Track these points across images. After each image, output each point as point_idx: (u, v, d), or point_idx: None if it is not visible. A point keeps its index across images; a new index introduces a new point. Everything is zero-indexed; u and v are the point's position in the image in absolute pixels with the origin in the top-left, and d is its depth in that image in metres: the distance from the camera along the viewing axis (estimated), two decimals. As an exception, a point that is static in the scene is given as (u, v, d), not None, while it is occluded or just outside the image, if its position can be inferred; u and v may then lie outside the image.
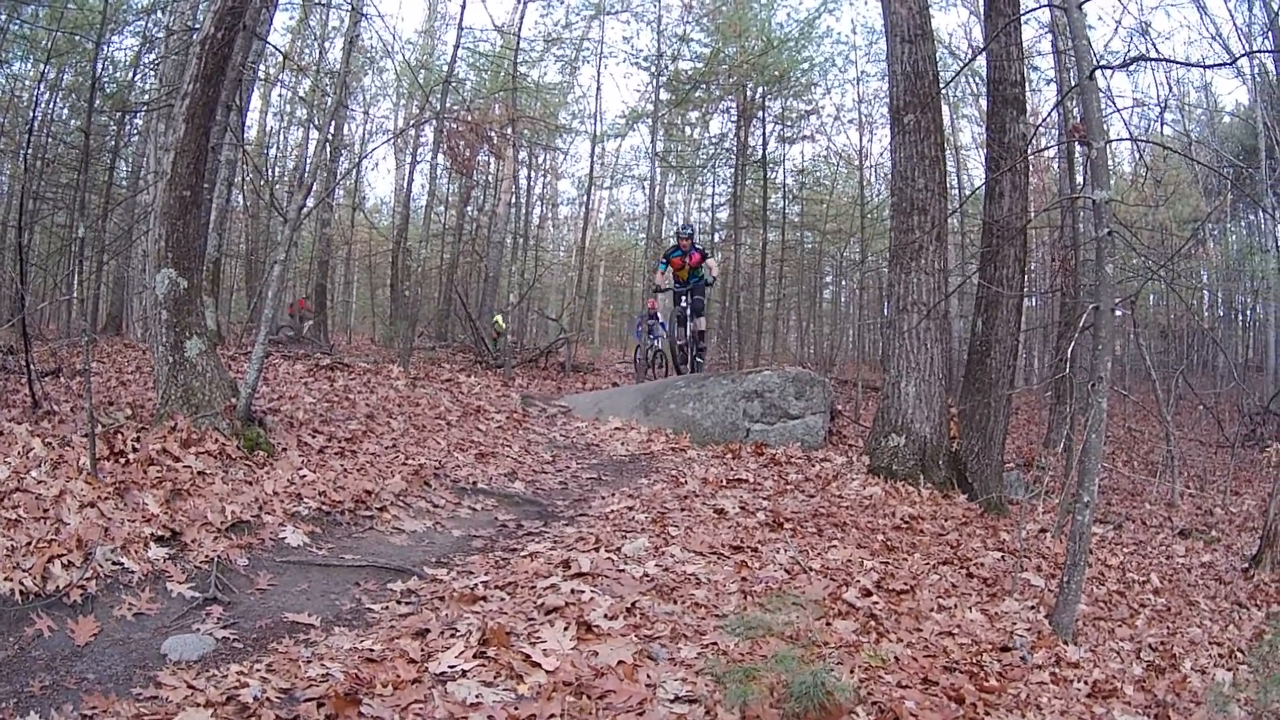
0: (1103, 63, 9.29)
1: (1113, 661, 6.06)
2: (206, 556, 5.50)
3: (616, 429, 12.25)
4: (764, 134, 26.79)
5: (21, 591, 4.65)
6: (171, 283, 7.33)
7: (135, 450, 6.64)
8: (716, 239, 32.04)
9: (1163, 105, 20.77)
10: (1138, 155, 13.37)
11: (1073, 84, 7.97)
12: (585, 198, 30.72)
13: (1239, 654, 6.92)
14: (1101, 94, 7.00)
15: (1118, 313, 7.36)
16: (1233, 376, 22.09)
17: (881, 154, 27.26)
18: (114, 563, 5.11)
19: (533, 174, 34.15)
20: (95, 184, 18.00)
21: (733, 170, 27.50)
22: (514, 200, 28.89)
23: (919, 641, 5.30)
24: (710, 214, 33.80)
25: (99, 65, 12.42)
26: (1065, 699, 4.98)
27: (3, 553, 4.82)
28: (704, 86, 25.66)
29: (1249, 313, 32.86)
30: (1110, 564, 8.90)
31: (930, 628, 5.63)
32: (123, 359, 12.63)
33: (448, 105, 20.61)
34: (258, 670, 4.10)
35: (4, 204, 22.07)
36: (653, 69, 24.86)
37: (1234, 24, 24.67)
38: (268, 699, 3.66)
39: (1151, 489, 14.04)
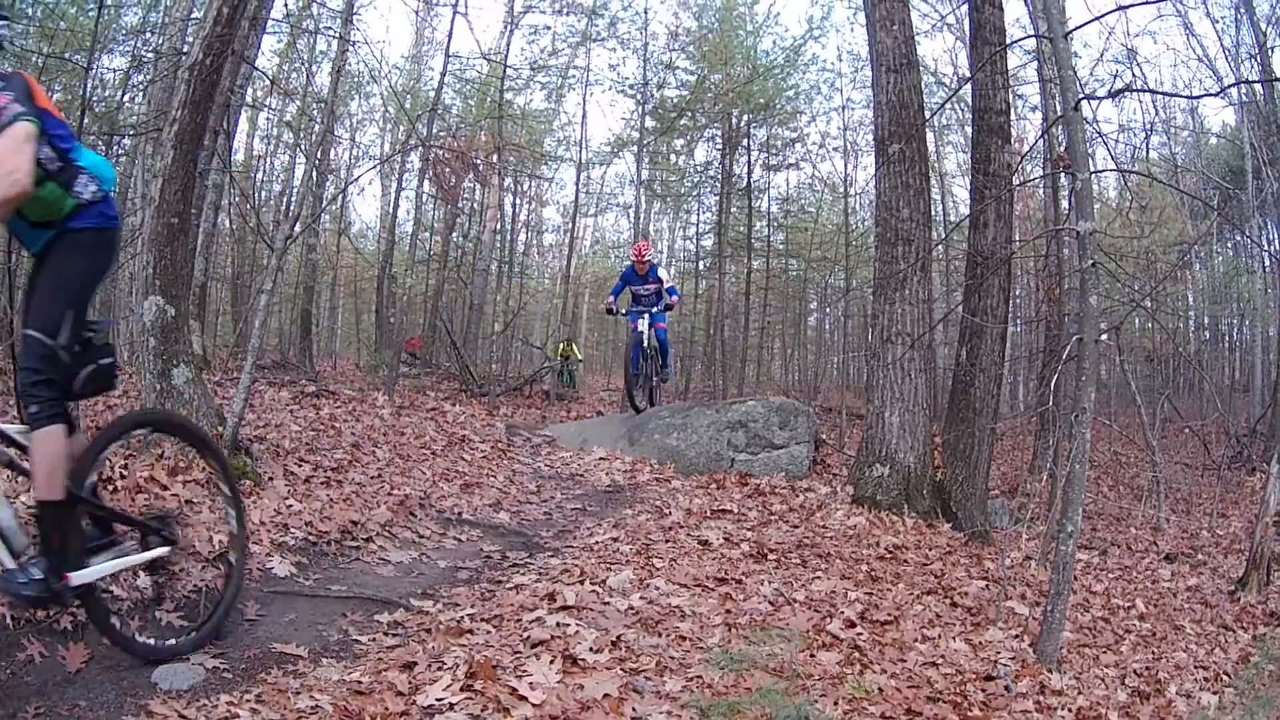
0: (1088, 92, 9.35)
1: (1097, 688, 6.08)
2: (195, 586, 5.50)
3: (601, 459, 12.27)
4: (749, 161, 26.98)
5: (13, 617, 4.65)
6: (159, 310, 7.35)
7: (123, 477, 6.63)
8: (701, 266, 32.13)
9: (1148, 131, 20.89)
10: (1123, 182, 13.46)
11: (1059, 113, 8.02)
12: (570, 225, 30.83)
13: (1225, 677, 6.94)
14: (1087, 123, 7.06)
15: (1102, 338, 7.41)
16: (1216, 405, 22.17)
17: (867, 182, 27.36)
18: (103, 591, 5.11)
19: (518, 201, 34.28)
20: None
21: (718, 198, 27.65)
22: (499, 227, 29.01)
23: (903, 672, 5.32)
24: (695, 241, 33.90)
25: (89, 85, 12.40)
26: (1049, 728, 5.01)
27: (-7, 578, 4.81)
28: (689, 114, 25.85)
29: (1235, 334, 33.03)
30: (1095, 590, 8.93)
31: (914, 658, 5.65)
32: (109, 384, 12.61)
33: (434, 132, 20.68)
34: (247, 700, 4.10)
35: (-11, 225, 22.02)
36: (639, 96, 25.12)
37: (1221, 45, 24.82)
38: (257, 730, 3.68)
39: (1137, 514, 14.09)
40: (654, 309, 14.62)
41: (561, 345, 26.44)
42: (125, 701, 4.21)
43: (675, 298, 14.96)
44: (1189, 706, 6.08)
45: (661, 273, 14.89)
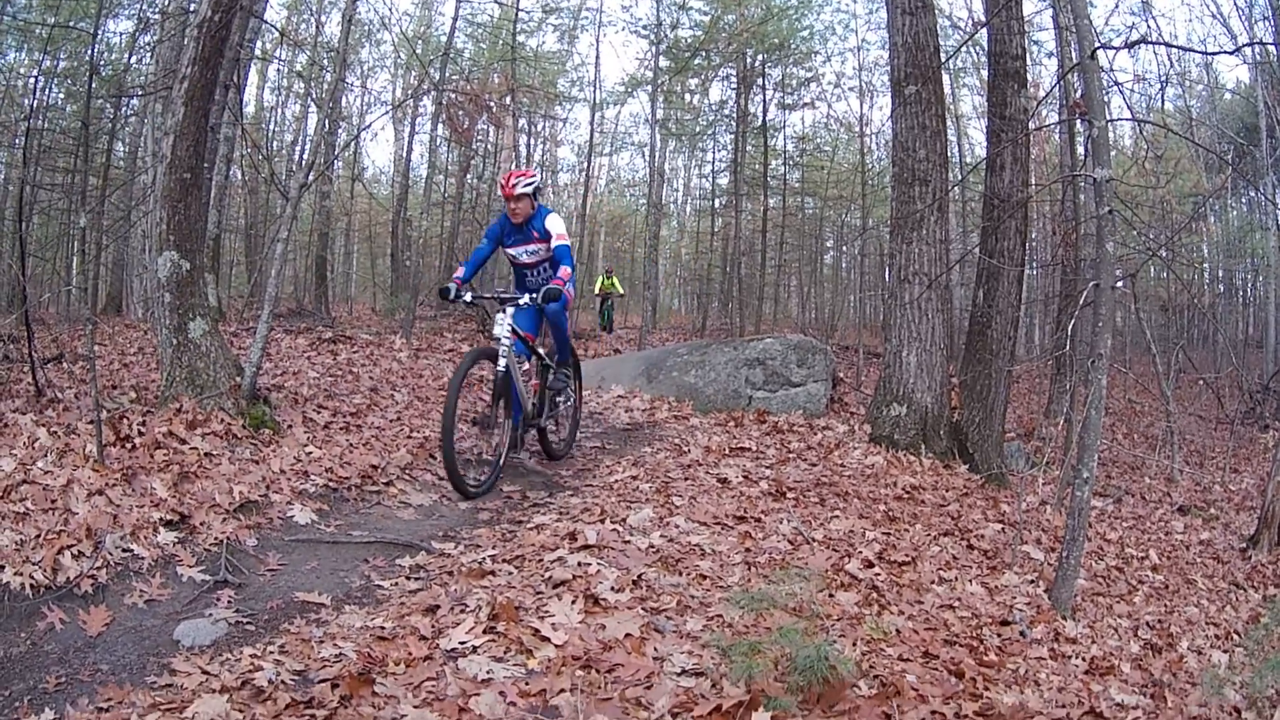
0: (1104, 41, 9.27)
1: (1110, 638, 6.11)
2: (216, 539, 5.53)
3: (619, 397, 12.33)
4: (764, 101, 26.85)
5: (32, 585, 4.65)
6: (174, 265, 7.36)
7: (141, 434, 6.67)
8: (717, 204, 32.04)
9: (1163, 83, 20.69)
10: (1138, 131, 13.36)
11: (1074, 61, 7.98)
12: (585, 165, 30.74)
13: (1235, 635, 6.98)
14: (1103, 72, 7.01)
15: (1119, 285, 7.40)
16: (1231, 359, 22.11)
17: (883, 122, 27.23)
18: (124, 550, 5.13)
19: (532, 142, 34.14)
20: (93, 167, 17.99)
21: (733, 136, 27.53)
22: (514, 168, 28.84)
23: (920, 614, 5.34)
24: (711, 179, 33.78)
25: (95, 50, 12.41)
26: (1063, 675, 5.02)
27: (12, 546, 4.82)
28: (704, 54, 25.64)
29: (1249, 289, 32.86)
30: (1109, 538, 8.96)
31: (931, 600, 5.68)
32: (124, 340, 12.66)
33: (446, 76, 20.58)
34: (271, 653, 4.12)
35: (2, 192, 22.07)
36: (652, 37, 24.94)
37: (1235, 3, 24.54)
38: (282, 682, 3.69)
39: (1151, 463, 14.08)
40: (534, 295, 7.93)
41: (600, 280, 26.42)
42: (148, 662, 4.24)
43: (567, 268, 8.09)
44: (1199, 663, 6.11)
45: (553, 223, 8.24)
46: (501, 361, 7.70)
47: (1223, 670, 5.84)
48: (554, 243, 8.05)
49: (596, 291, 26.95)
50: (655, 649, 4.13)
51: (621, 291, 26.66)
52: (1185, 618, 7.08)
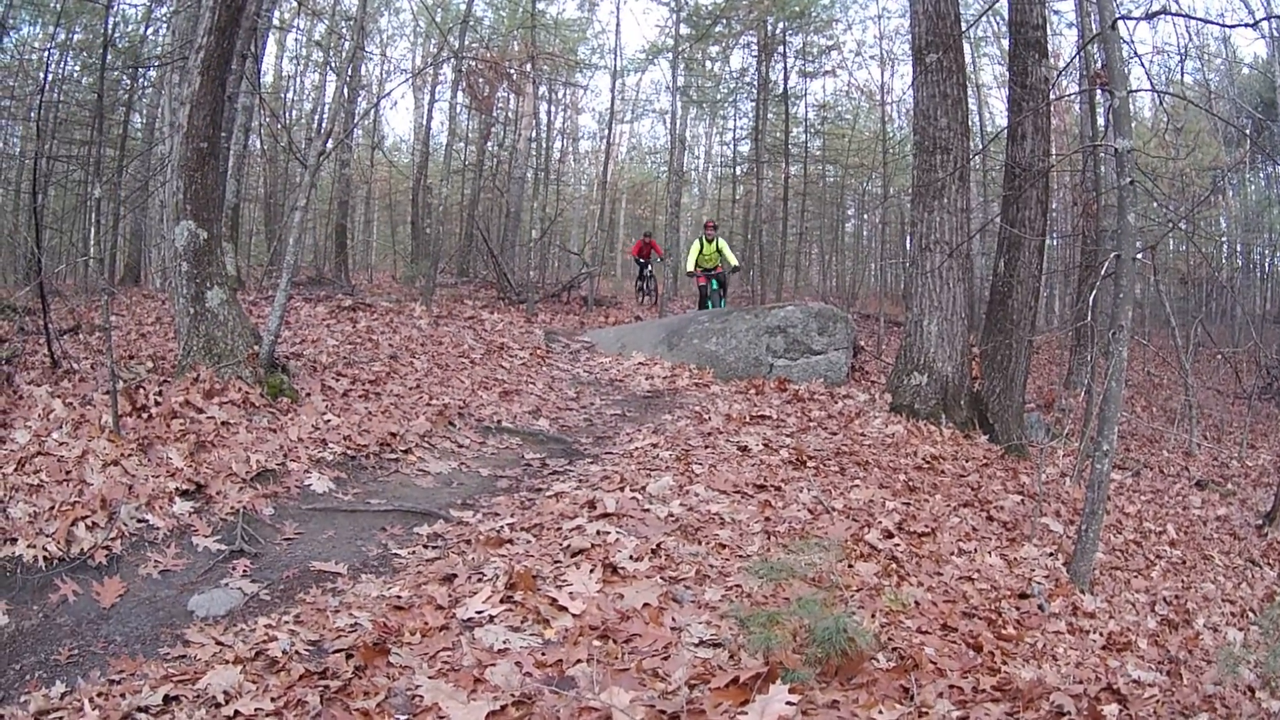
0: (1125, 12, 9.19)
1: (1128, 614, 6.09)
2: (232, 508, 5.53)
3: (640, 364, 12.30)
4: (785, 69, 26.71)
5: (45, 557, 4.66)
6: (191, 234, 7.35)
7: (158, 404, 6.67)
8: (738, 172, 31.91)
9: (1183, 55, 20.58)
10: (1158, 102, 13.22)
11: (1095, 31, 7.88)
12: (606, 132, 30.63)
13: (1251, 613, 6.97)
14: (1124, 43, 6.93)
15: (1139, 257, 7.31)
16: (1251, 333, 21.97)
17: (904, 90, 27.08)
18: (139, 520, 5.13)
19: (553, 109, 34.04)
20: (109, 139, 18.01)
21: (754, 104, 27.42)
22: (534, 135, 28.79)
23: (939, 586, 5.32)
24: (732, 147, 33.68)
25: (110, 22, 12.38)
26: (1081, 650, 4.99)
27: (25, 519, 4.83)
28: (724, 21, 25.45)
29: (1268, 264, 32.65)
30: (1128, 511, 8.92)
31: (950, 572, 5.65)
32: (142, 310, 12.64)
33: (466, 43, 20.49)
34: (286, 623, 4.13)
35: (18, 165, 22.11)
36: (672, 4, 24.73)
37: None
38: (296, 652, 3.68)
39: (1169, 437, 14.02)
40: None
41: (698, 247, 17.34)
42: (161, 633, 4.24)
43: None
44: (1215, 641, 6.09)
45: None
46: None
47: (1238, 648, 5.82)
48: None
49: (692, 268, 17.36)
50: (673, 619, 4.11)
51: (736, 263, 18.00)
52: (1202, 594, 7.07)
